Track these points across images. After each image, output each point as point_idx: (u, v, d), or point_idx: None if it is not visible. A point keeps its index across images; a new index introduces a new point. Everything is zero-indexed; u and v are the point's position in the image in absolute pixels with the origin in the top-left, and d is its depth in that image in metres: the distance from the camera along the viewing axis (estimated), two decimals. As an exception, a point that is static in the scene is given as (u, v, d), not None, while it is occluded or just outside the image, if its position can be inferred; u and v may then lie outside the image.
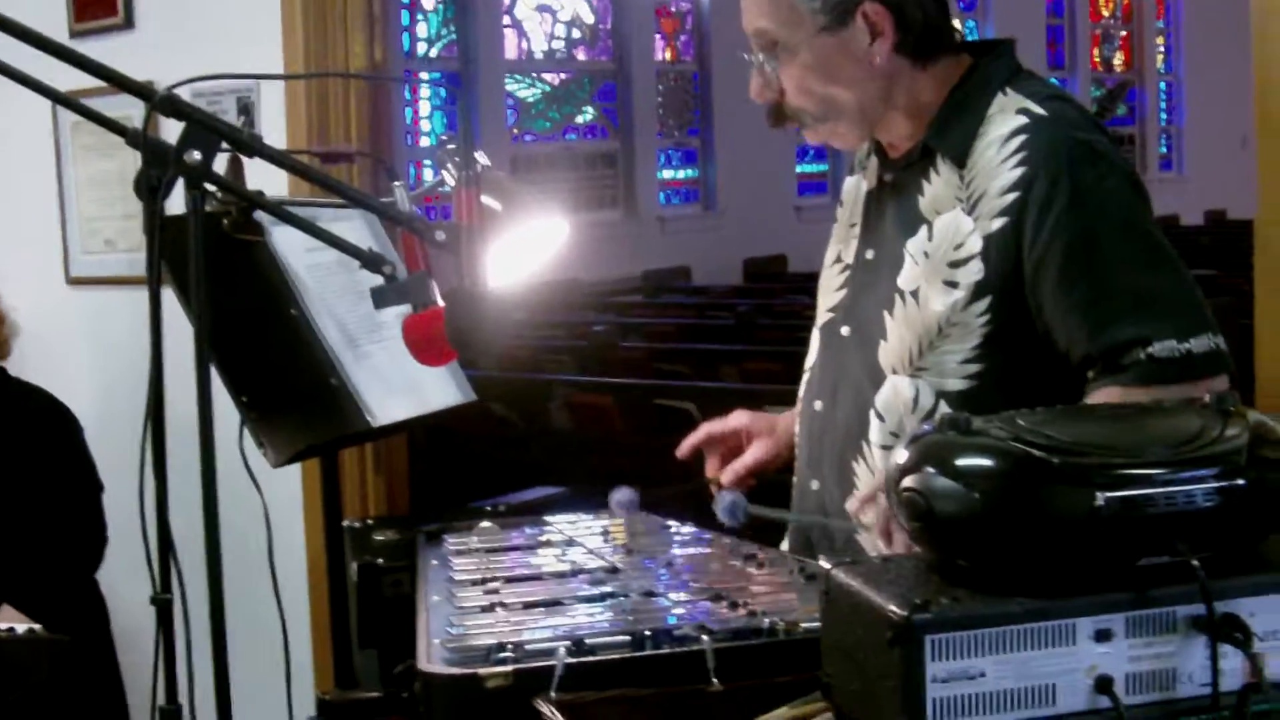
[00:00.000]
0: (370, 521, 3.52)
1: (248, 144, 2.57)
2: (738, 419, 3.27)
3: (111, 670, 4.70)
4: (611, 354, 11.04)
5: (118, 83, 2.52)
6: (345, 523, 3.48)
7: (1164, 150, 27.21)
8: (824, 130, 2.90)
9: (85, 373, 5.13)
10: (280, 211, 2.89)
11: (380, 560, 3.26)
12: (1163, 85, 27.44)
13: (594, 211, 18.76)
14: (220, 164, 2.89)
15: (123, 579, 4.75)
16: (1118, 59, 26.79)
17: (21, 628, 3.86)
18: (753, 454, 3.22)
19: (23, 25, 2.45)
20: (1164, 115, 27.40)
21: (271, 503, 3.34)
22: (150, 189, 2.52)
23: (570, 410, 9.05)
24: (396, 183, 3.02)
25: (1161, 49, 27.43)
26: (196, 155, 2.48)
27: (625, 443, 8.09)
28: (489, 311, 2.62)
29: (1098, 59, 26.38)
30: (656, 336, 12.18)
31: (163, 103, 2.48)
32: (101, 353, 5.21)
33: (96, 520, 4.64)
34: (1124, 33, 26.87)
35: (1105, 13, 26.60)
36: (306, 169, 2.74)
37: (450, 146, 2.97)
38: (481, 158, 3.18)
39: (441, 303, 2.71)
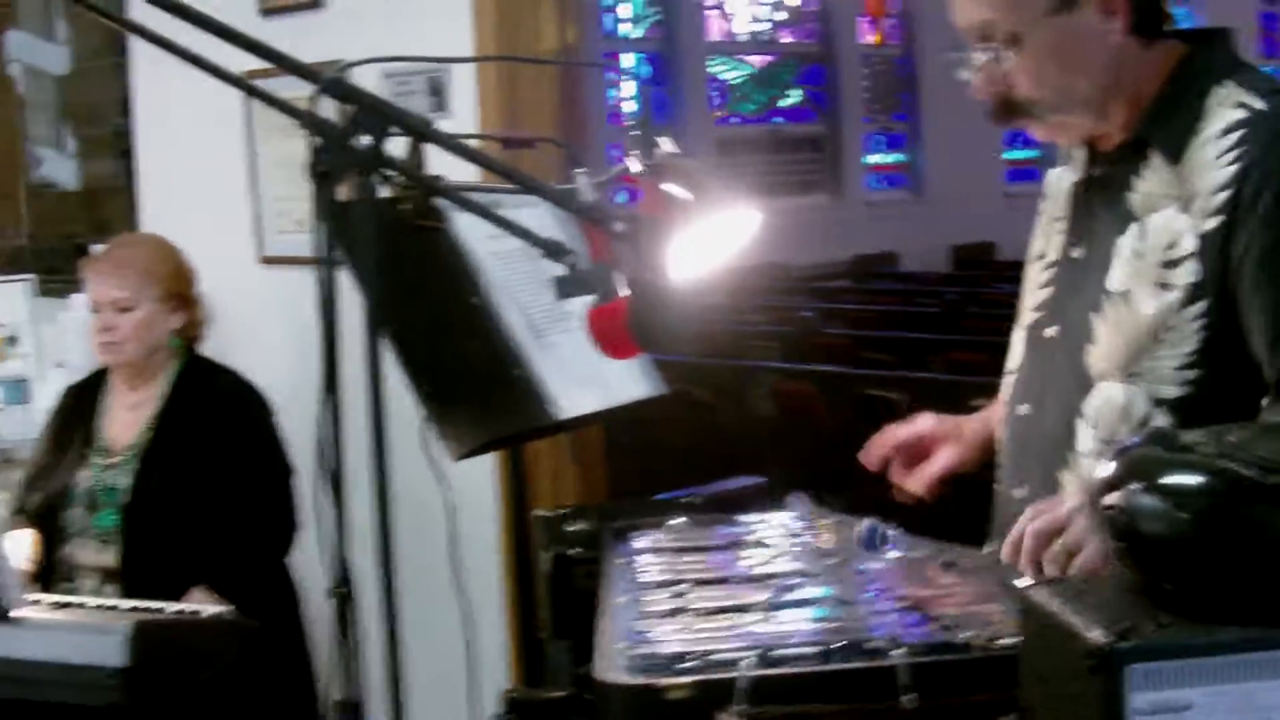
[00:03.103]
0: (563, 511, 3.43)
1: (418, 128, 2.49)
2: (923, 424, 3.16)
3: (302, 656, 4.68)
4: (816, 340, 10.95)
5: (287, 65, 2.44)
6: (537, 512, 3.40)
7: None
8: (1055, 121, 2.74)
9: (278, 353, 5.13)
10: (458, 197, 2.82)
11: (573, 551, 3.17)
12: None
13: (800, 195, 18.67)
14: (402, 147, 2.84)
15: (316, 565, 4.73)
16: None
17: (211, 610, 3.83)
18: (941, 460, 3.11)
19: (197, 10, 2.38)
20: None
21: (465, 491, 3.29)
22: (322, 174, 2.45)
23: (773, 397, 8.95)
24: (579, 169, 2.92)
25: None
26: (366, 140, 2.39)
27: (827, 431, 7.98)
28: (670, 305, 2.52)
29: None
30: (862, 323, 12.05)
31: (330, 85, 2.39)
32: (294, 332, 5.21)
33: (287, 504, 4.61)
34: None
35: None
36: (479, 154, 2.65)
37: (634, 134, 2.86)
38: (668, 144, 3.08)
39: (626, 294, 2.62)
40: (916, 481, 3.09)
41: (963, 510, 3.08)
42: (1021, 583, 1.86)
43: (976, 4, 2.69)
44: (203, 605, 3.90)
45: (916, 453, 3.14)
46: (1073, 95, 2.67)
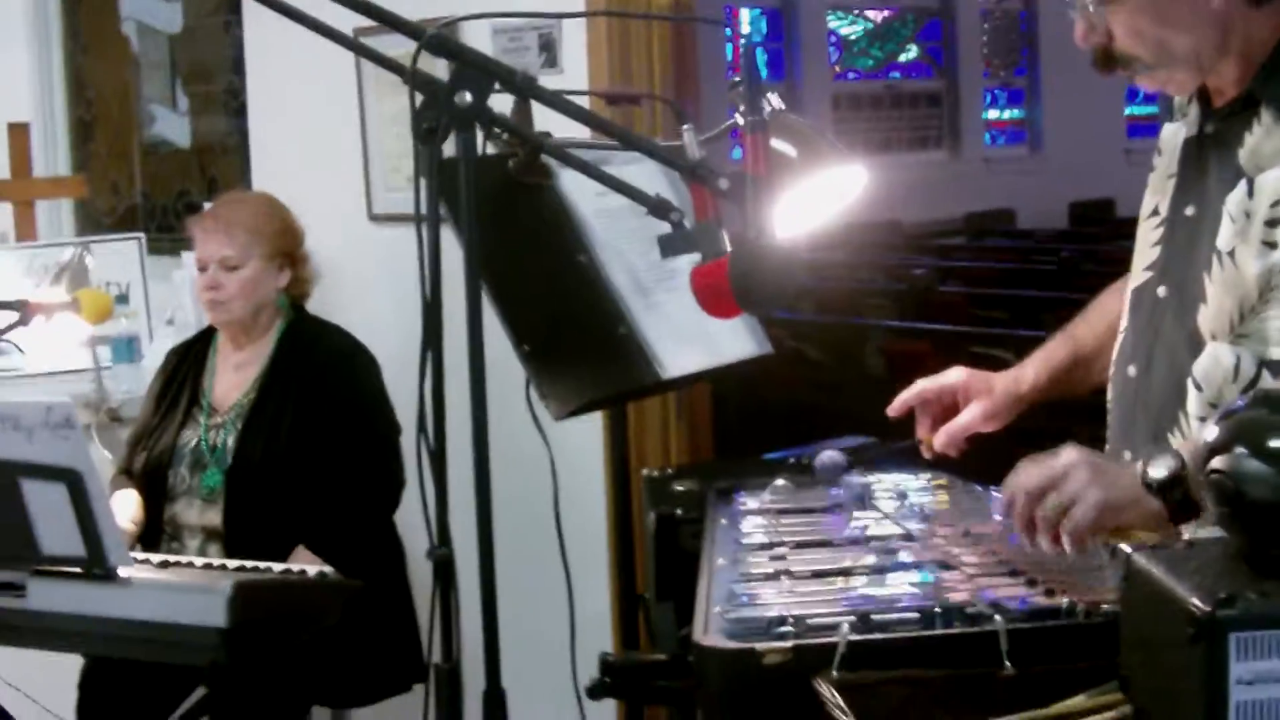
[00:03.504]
0: (670, 470, 3.42)
1: (519, 85, 2.48)
2: (954, 376, 3.12)
3: (407, 615, 4.68)
4: (930, 298, 10.88)
5: (388, 21, 2.43)
6: (645, 472, 3.39)
7: None
8: (1159, 76, 2.68)
9: (387, 310, 5.12)
10: (564, 155, 2.80)
11: (679, 511, 3.16)
12: None
13: (917, 152, 18.57)
14: (509, 104, 2.83)
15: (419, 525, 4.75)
16: None
17: (313, 570, 3.84)
18: (968, 415, 3.07)
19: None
20: None
21: (569, 450, 3.27)
22: (428, 130, 2.44)
23: (885, 356, 8.91)
24: (686, 126, 2.89)
25: None
26: (468, 96, 2.38)
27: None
28: (773, 264, 2.49)
29: None
30: (977, 281, 11.96)
31: (432, 42, 2.38)
32: (403, 290, 5.19)
33: (391, 464, 4.57)
34: None
35: None
36: (583, 111, 2.62)
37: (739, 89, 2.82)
38: (776, 100, 3.05)
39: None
40: (942, 436, 3.05)
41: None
42: (1126, 547, 1.82)
43: None
44: (306, 565, 3.91)
45: (946, 405, 3.11)
46: (1171, 52, 2.62)
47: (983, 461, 3.14)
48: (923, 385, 3.13)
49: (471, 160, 2.46)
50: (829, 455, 3.08)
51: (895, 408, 3.14)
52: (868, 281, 11.87)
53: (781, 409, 7.97)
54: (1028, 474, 2.42)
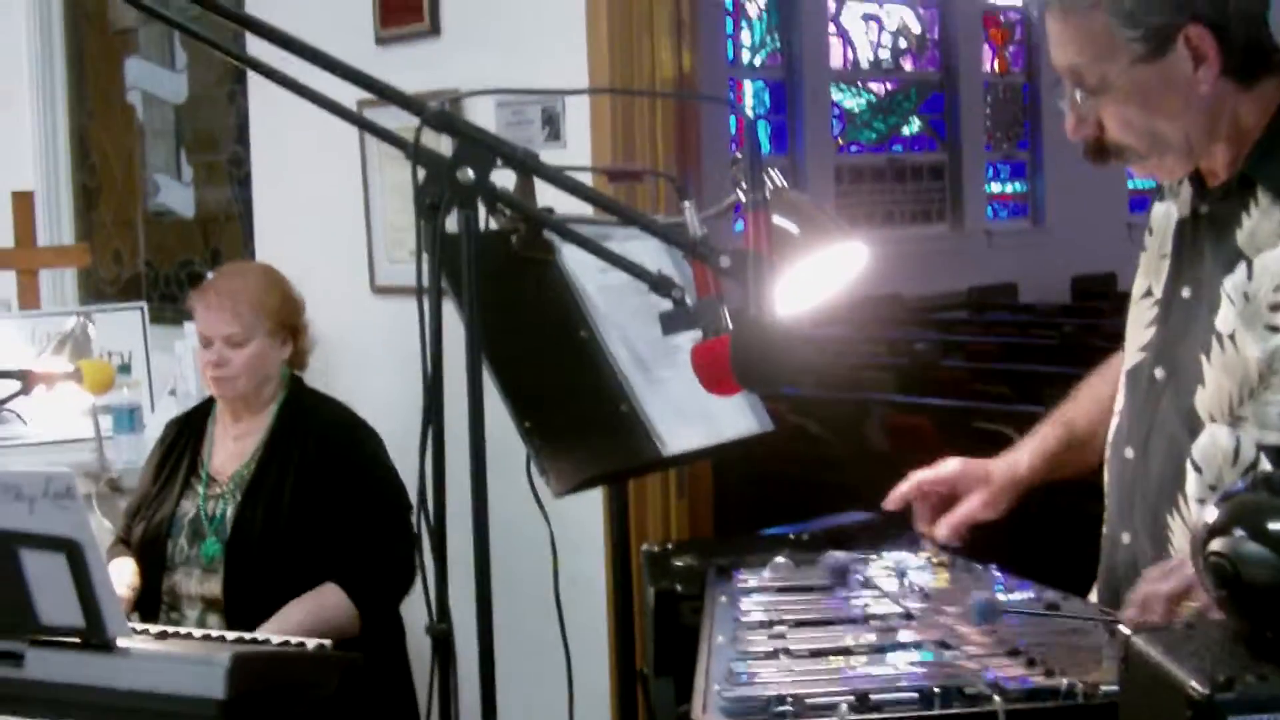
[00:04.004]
0: (670, 546, 3.41)
1: (521, 161, 2.48)
2: (950, 467, 3.13)
3: (406, 690, 4.66)
4: (933, 373, 10.87)
5: (393, 97, 2.44)
6: (644, 547, 3.38)
7: None
8: (1150, 165, 2.70)
9: (389, 383, 5.11)
10: (565, 230, 2.80)
11: (678, 586, 3.15)
12: None
13: (920, 225, 18.60)
14: (511, 178, 2.83)
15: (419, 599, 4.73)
16: None
17: (311, 643, 3.83)
18: (968, 506, 3.08)
19: (307, 44, 2.39)
20: None
21: (569, 526, 3.27)
22: (431, 206, 2.45)
23: (887, 431, 8.89)
24: (686, 202, 2.89)
25: None
26: (470, 172, 2.39)
27: (940, 465, 7.90)
28: (774, 342, 2.49)
29: None
30: (979, 355, 11.97)
31: (433, 118, 2.39)
32: (405, 363, 5.19)
33: (403, 541, 4.49)
34: None
35: None
36: (583, 187, 2.63)
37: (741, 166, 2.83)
38: (776, 177, 3.06)
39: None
40: (944, 528, 3.06)
41: (1069, 550, 3.04)
42: (1123, 629, 1.82)
43: (1064, 50, 2.66)
44: (305, 638, 3.90)
45: (943, 497, 3.11)
46: (1162, 140, 2.63)
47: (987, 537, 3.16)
48: (919, 478, 3.14)
49: (474, 236, 2.46)
50: (834, 558, 3.07)
51: (892, 502, 3.15)
52: (869, 356, 11.87)
53: (783, 484, 7.95)
54: (1164, 579, 2.41)
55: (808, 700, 2.22)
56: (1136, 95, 2.61)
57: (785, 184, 3.23)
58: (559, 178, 2.58)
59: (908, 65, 19.15)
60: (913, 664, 2.41)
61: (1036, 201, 19.93)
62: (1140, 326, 2.87)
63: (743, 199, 2.73)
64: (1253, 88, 2.63)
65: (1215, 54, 2.57)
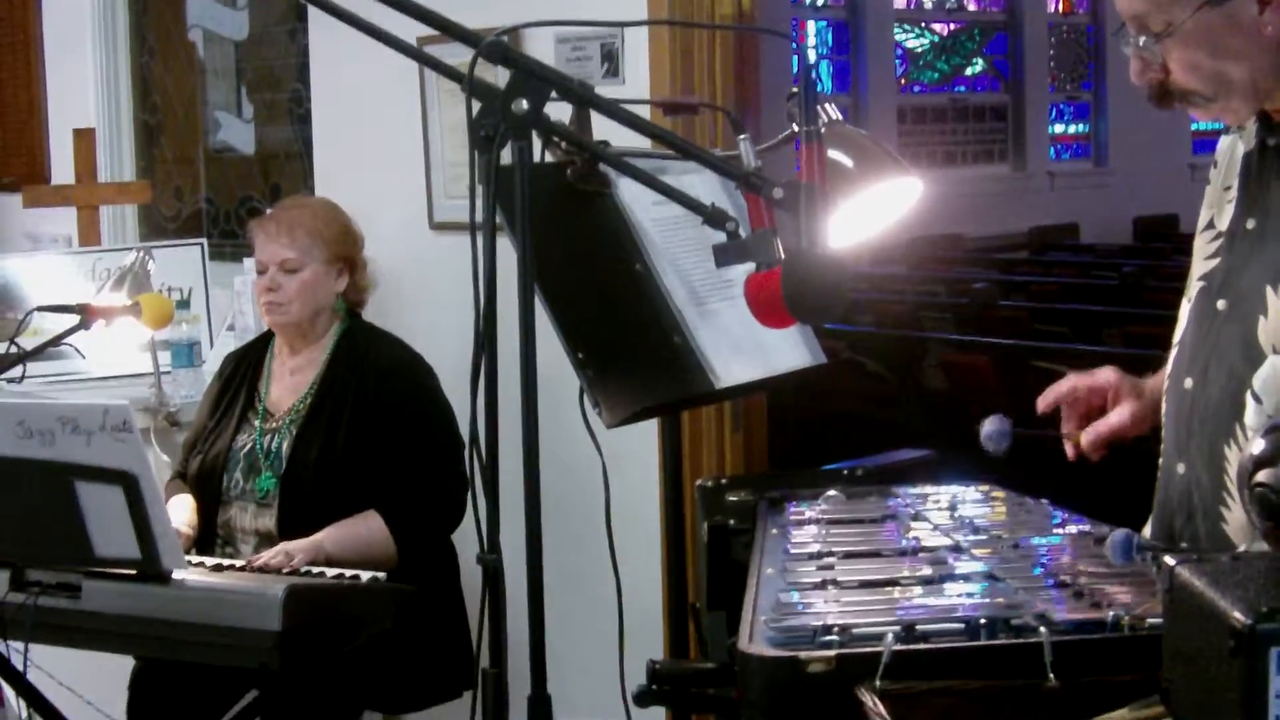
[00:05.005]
0: (724, 480, 3.42)
1: (576, 93, 2.49)
2: (1105, 376, 3.07)
3: (460, 622, 4.67)
4: (992, 313, 10.84)
5: (449, 30, 2.44)
6: (698, 482, 3.39)
7: None
8: (1216, 108, 2.68)
9: (447, 318, 5.10)
10: (620, 163, 2.81)
11: (731, 521, 3.17)
12: None
13: (981, 165, 18.52)
14: (567, 112, 2.84)
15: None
16: None
17: (366, 575, 3.86)
18: (1116, 416, 3.01)
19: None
20: None
21: (623, 459, 3.27)
22: (485, 138, 2.46)
23: (944, 370, 8.88)
24: (742, 135, 2.89)
25: None
26: (524, 104, 2.39)
27: (998, 405, 7.88)
28: (825, 274, 2.49)
29: None
30: (1039, 296, 11.94)
31: (490, 49, 2.40)
32: (463, 297, 5.19)
33: (453, 479, 4.49)
34: None
35: None
36: (639, 120, 2.62)
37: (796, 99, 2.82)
38: (831, 110, 3.05)
39: (785, 262, 2.59)
40: (1089, 435, 3.01)
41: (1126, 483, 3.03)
42: (1168, 559, 1.81)
43: None
44: (359, 570, 3.93)
45: (1094, 405, 3.08)
46: (1228, 85, 2.61)
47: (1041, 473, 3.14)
48: (1074, 381, 3.09)
49: (527, 167, 2.47)
50: (995, 423, 3.04)
51: (1045, 401, 3.10)
52: (929, 295, 11.85)
53: (839, 421, 7.96)
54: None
55: (854, 630, 2.22)
56: (1202, 39, 2.58)
57: (840, 117, 3.23)
58: (614, 110, 2.58)
59: (971, 5, 19.05)
60: (960, 596, 2.42)
61: (1099, 143, 19.82)
62: (1202, 259, 2.85)
63: (798, 132, 2.72)
64: None
65: None
